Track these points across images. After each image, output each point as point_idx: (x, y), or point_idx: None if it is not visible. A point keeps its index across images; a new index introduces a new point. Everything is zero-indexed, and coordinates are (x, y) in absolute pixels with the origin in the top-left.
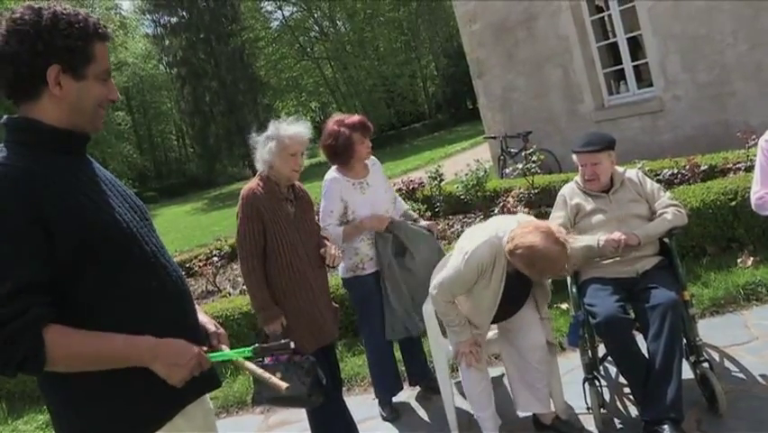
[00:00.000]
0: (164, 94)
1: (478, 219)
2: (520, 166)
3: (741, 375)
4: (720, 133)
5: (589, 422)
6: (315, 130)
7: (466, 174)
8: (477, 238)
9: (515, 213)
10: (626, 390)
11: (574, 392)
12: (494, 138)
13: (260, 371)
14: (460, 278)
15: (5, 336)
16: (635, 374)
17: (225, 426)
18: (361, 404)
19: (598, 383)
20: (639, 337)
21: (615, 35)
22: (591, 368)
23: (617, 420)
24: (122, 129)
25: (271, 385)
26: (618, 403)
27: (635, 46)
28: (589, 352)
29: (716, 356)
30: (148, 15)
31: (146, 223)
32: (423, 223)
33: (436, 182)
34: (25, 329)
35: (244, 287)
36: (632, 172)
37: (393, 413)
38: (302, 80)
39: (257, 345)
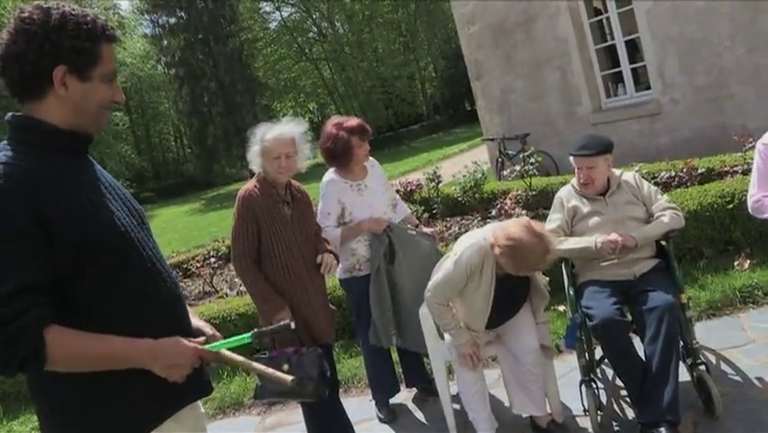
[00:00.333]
0: (162, 94)
1: (475, 221)
2: (518, 168)
3: (737, 378)
4: (718, 136)
5: (585, 424)
6: (314, 131)
7: (464, 176)
8: (467, 242)
9: (512, 215)
10: (623, 392)
11: (571, 395)
12: (492, 140)
13: (262, 367)
14: (450, 280)
15: (6, 335)
16: (631, 377)
17: (222, 427)
18: (359, 406)
19: (594, 386)
20: (636, 340)
21: (613, 38)
22: (588, 370)
23: (613, 423)
24: (119, 129)
25: (276, 379)
26: (615, 406)
27: (633, 49)
28: (586, 354)
29: (712, 359)
30: (146, 16)
31: (144, 228)
32: (426, 230)
33: (434, 184)
34: (26, 329)
35: (242, 288)
36: (629, 175)
37: (390, 415)
38: (300, 81)
39: (255, 329)
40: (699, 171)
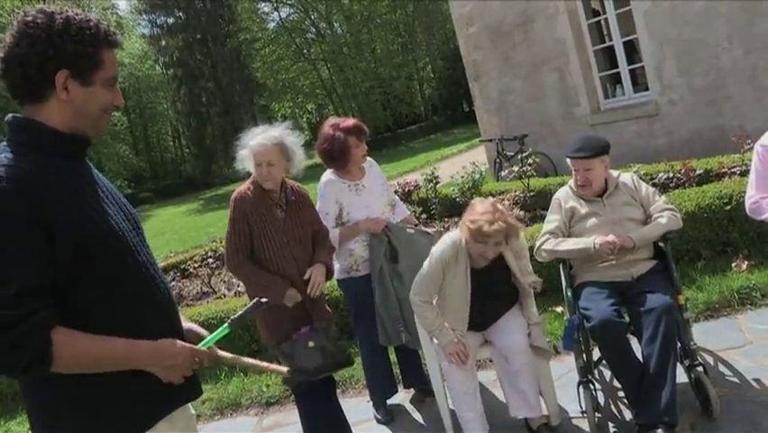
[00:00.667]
0: (160, 94)
1: None
2: (516, 169)
3: (735, 379)
4: (715, 137)
5: (583, 426)
6: (312, 132)
7: (462, 177)
8: (443, 239)
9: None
10: (621, 393)
11: (569, 396)
12: (490, 141)
13: (254, 362)
14: (429, 274)
15: (13, 338)
16: (629, 378)
17: (220, 428)
18: (356, 407)
19: (592, 387)
20: (634, 341)
21: (611, 39)
22: (586, 372)
23: (611, 424)
24: (118, 129)
25: (274, 371)
26: (613, 407)
27: (632, 50)
28: (584, 355)
29: (710, 360)
30: (144, 16)
31: (138, 233)
32: (429, 230)
33: (432, 184)
34: (34, 331)
35: (239, 288)
36: (627, 176)
37: (387, 416)
38: (298, 82)
39: (230, 318)
40: (697, 173)
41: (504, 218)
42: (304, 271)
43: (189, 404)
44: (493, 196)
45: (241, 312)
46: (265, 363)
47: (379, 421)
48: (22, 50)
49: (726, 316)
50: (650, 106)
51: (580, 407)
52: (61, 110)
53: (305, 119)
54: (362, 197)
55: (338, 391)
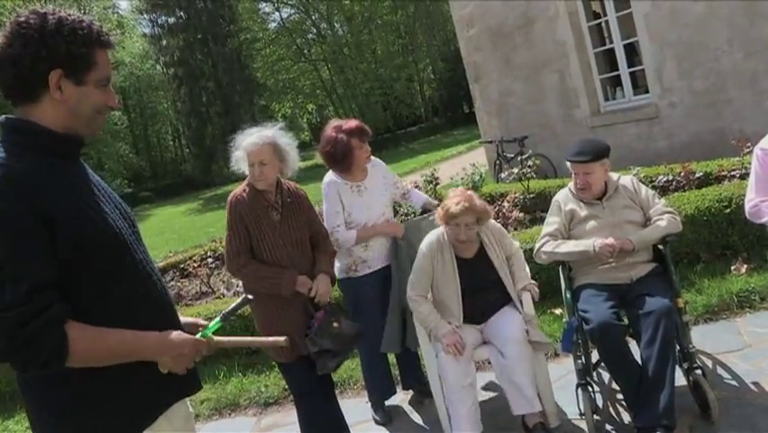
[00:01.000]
0: (161, 94)
1: None
2: (516, 170)
3: (734, 382)
4: (715, 140)
5: (581, 428)
6: (312, 132)
7: (462, 178)
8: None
9: (510, 217)
10: (619, 396)
11: (567, 398)
12: (490, 142)
13: (253, 338)
14: (419, 268)
15: (28, 334)
16: (627, 381)
17: (218, 428)
18: (354, 407)
19: (591, 389)
20: (633, 344)
21: (612, 41)
22: (585, 374)
23: (609, 426)
24: (118, 129)
25: (273, 344)
26: (611, 409)
27: (632, 52)
28: (583, 358)
29: (709, 363)
30: (145, 15)
31: (134, 231)
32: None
33: (432, 186)
34: (48, 326)
35: (238, 288)
36: (626, 179)
37: (386, 417)
38: (299, 82)
39: (222, 313)
40: (697, 175)
41: (470, 199)
42: (301, 273)
43: (188, 403)
44: (493, 197)
45: (231, 307)
46: (263, 338)
47: (377, 422)
48: (14, 50)
49: (725, 319)
50: (650, 109)
51: (579, 409)
52: (55, 110)
53: (305, 119)
54: (364, 198)
55: (337, 391)
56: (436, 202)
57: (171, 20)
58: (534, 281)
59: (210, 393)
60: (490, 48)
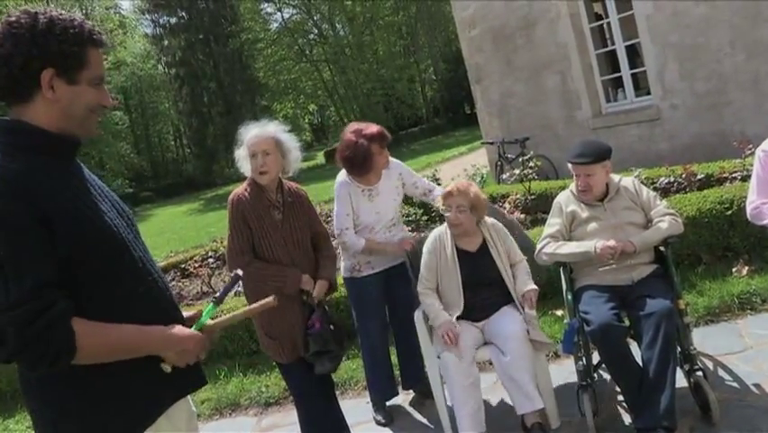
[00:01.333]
0: (162, 94)
1: None
2: (517, 172)
3: (735, 384)
4: (717, 142)
5: (582, 429)
6: (313, 132)
7: (463, 179)
8: None
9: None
10: (620, 397)
11: (568, 399)
12: (491, 143)
13: (246, 308)
14: (424, 265)
15: (36, 332)
16: (628, 382)
17: (219, 428)
18: (355, 408)
19: (592, 390)
20: (633, 345)
21: (613, 43)
22: (585, 375)
23: (610, 428)
24: (119, 128)
25: (263, 306)
26: (612, 411)
27: (634, 54)
28: (584, 359)
29: (710, 365)
30: (147, 15)
31: (133, 230)
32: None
33: None
34: (55, 323)
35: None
36: (628, 181)
37: (387, 417)
38: (300, 83)
39: (213, 298)
40: (698, 177)
41: (467, 186)
42: (303, 273)
43: (191, 402)
44: (494, 198)
45: (222, 289)
46: (252, 306)
47: (378, 423)
48: (6, 50)
49: (726, 321)
50: (651, 111)
51: (580, 410)
52: (48, 109)
53: (306, 120)
54: (374, 203)
55: (337, 392)
56: None
57: (173, 20)
58: (535, 286)
59: (211, 393)
60: (492, 49)
